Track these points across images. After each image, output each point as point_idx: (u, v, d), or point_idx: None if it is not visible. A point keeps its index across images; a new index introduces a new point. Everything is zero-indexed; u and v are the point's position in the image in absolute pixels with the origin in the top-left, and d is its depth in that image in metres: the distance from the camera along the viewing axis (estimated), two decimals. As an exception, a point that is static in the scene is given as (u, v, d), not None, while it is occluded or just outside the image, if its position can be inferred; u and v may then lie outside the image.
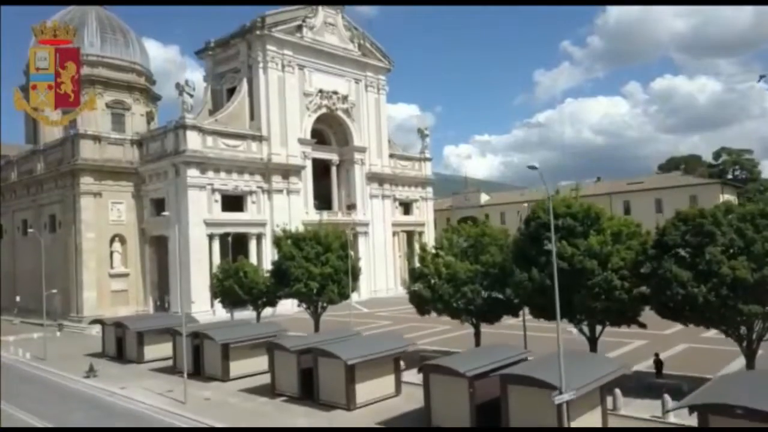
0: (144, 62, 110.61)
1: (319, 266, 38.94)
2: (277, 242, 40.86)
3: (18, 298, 63.49)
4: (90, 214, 59.49)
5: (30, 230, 66.46)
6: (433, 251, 34.87)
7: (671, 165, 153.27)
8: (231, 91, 69.08)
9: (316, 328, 41.25)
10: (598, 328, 28.11)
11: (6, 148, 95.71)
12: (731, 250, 23.36)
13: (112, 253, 61.58)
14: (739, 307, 22.75)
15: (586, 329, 28.52)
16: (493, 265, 30.85)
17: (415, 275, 33.87)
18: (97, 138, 61.09)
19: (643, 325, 27.67)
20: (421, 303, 32.71)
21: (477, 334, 32.87)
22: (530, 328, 32.25)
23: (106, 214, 61.04)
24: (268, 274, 43.79)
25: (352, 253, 42.45)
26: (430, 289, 31.74)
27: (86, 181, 59.46)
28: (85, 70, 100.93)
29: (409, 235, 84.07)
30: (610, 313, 26.56)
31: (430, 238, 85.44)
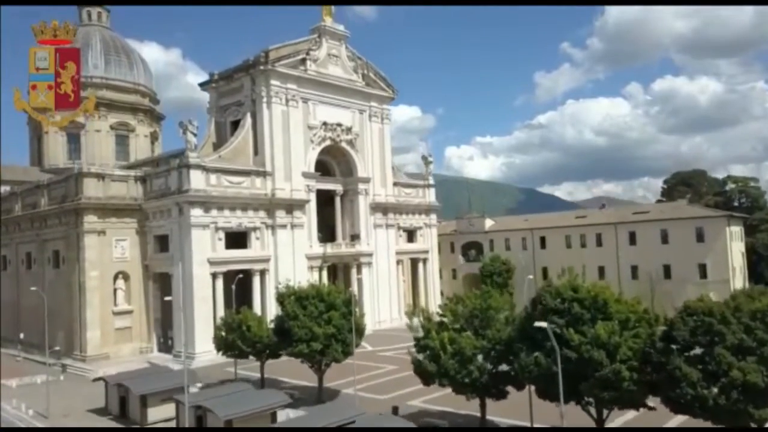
0: (147, 82, 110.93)
1: (322, 325, 38.67)
2: (281, 300, 40.58)
3: (22, 335, 63.41)
4: (94, 252, 59.36)
5: (34, 265, 66.80)
6: (438, 318, 34.63)
7: (677, 180, 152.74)
8: (235, 124, 68.93)
9: (320, 384, 41.21)
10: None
11: (6, 170, 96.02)
12: (741, 353, 23.07)
13: (115, 290, 61.46)
14: (750, 411, 22.48)
15: (593, 411, 28.27)
16: (498, 342, 30.59)
17: (419, 345, 33.60)
18: (100, 176, 60.92)
19: (652, 408, 27.44)
20: (426, 375, 32.46)
21: (483, 405, 32.63)
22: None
23: (109, 251, 60.91)
24: (272, 324, 43.55)
25: (357, 310, 42.05)
26: (435, 363, 31.49)
27: (90, 220, 59.33)
28: (89, 93, 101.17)
29: (414, 262, 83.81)
30: (618, 401, 26.35)
31: (434, 265, 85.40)
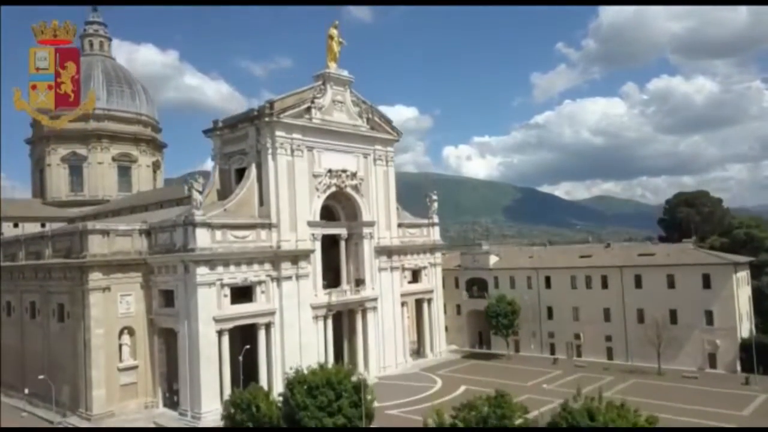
0: (150, 111, 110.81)
1: (333, 415, 38.45)
2: (290, 388, 40.32)
3: (26, 390, 63.46)
4: (99, 309, 59.08)
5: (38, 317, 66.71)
6: (449, 421, 34.39)
7: (679, 200, 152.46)
8: (239, 172, 68.60)
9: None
10: None
11: (7, 204, 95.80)
12: None
13: (120, 345, 61.17)
14: None
15: None
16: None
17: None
18: (105, 231, 60.53)
19: None
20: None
21: None
22: None
23: (114, 307, 60.63)
24: (279, 398, 43.34)
25: (368, 398, 41.71)
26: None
27: (95, 277, 59.02)
28: (92, 125, 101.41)
29: (418, 302, 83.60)
30: None
31: (439, 304, 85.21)
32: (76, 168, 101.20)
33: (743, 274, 74.13)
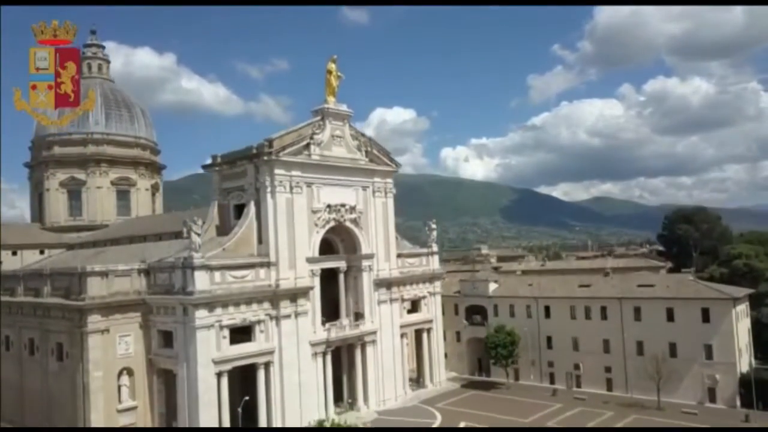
0: (148, 134, 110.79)
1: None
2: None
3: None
4: (98, 352, 58.92)
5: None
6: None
7: (678, 216, 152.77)
8: (238, 208, 68.47)
9: None
10: None
11: (6, 228, 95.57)
12: None
13: (119, 386, 61.03)
14: None
15: None
16: None
17: None
18: (104, 273, 60.39)
19: None
20: None
21: None
22: None
23: (113, 349, 60.47)
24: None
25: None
26: None
27: (94, 320, 58.85)
28: (91, 149, 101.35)
29: (418, 332, 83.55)
30: None
31: (438, 333, 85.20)
32: (74, 192, 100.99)
33: (742, 307, 74.18)
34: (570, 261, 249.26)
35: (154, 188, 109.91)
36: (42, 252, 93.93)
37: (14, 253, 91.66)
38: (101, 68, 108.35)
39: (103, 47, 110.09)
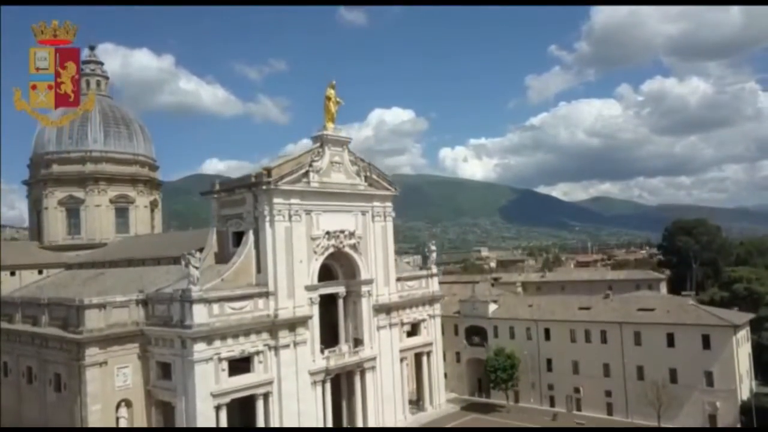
0: (147, 150, 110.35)
1: None
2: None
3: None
4: (96, 385, 58.68)
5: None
6: None
7: (677, 228, 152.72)
8: (237, 235, 68.19)
9: None
10: None
11: (5, 247, 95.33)
12: None
13: (117, 418, 60.78)
14: None
15: None
16: None
17: None
18: (102, 305, 60.12)
19: None
20: None
21: None
22: None
23: (111, 381, 60.22)
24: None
25: None
26: None
27: (91, 353, 58.61)
28: (89, 168, 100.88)
29: (418, 356, 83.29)
30: None
31: (438, 356, 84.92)
32: (73, 211, 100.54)
33: (743, 333, 73.93)
34: (569, 268, 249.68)
35: (153, 204, 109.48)
36: (40, 272, 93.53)
37: (12, 274, 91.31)
38: (100, 84, 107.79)
39: (102, 63, 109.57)
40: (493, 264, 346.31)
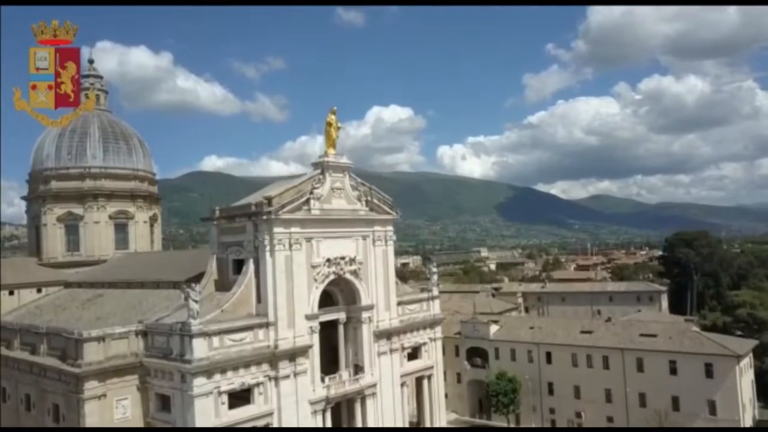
0: (147, 165, 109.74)
1: None
2: None
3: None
4: (95, 418, 58.20)
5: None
6: None
7: (678, 239, 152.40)
8: (237, 263, 67.66)
9: None
10: None
11: (4, 264, 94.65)
12: None
13: (117, 451, 60.38)
14: None
15: None
16: None
17: None
18: (101, 338, 59.62)
19: None
20: None
21: None
22: None
23: (110, 413, 59.74)
24: None
25: None
26: None
27: (90, 386, 58.13)
28: (88, 184, 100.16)
29: (418, 380, 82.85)
30: None
31: (439, 379, 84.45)
32: (72, 227, 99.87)
33: (746, 361, 73.57)
34: (569, 271, 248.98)
35: (153, 219, 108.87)
36: (39, 290, 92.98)
37: (11, 293, 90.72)
38: (99, 99, 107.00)
39: (101, 77, 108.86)
40: (492, 266, 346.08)
